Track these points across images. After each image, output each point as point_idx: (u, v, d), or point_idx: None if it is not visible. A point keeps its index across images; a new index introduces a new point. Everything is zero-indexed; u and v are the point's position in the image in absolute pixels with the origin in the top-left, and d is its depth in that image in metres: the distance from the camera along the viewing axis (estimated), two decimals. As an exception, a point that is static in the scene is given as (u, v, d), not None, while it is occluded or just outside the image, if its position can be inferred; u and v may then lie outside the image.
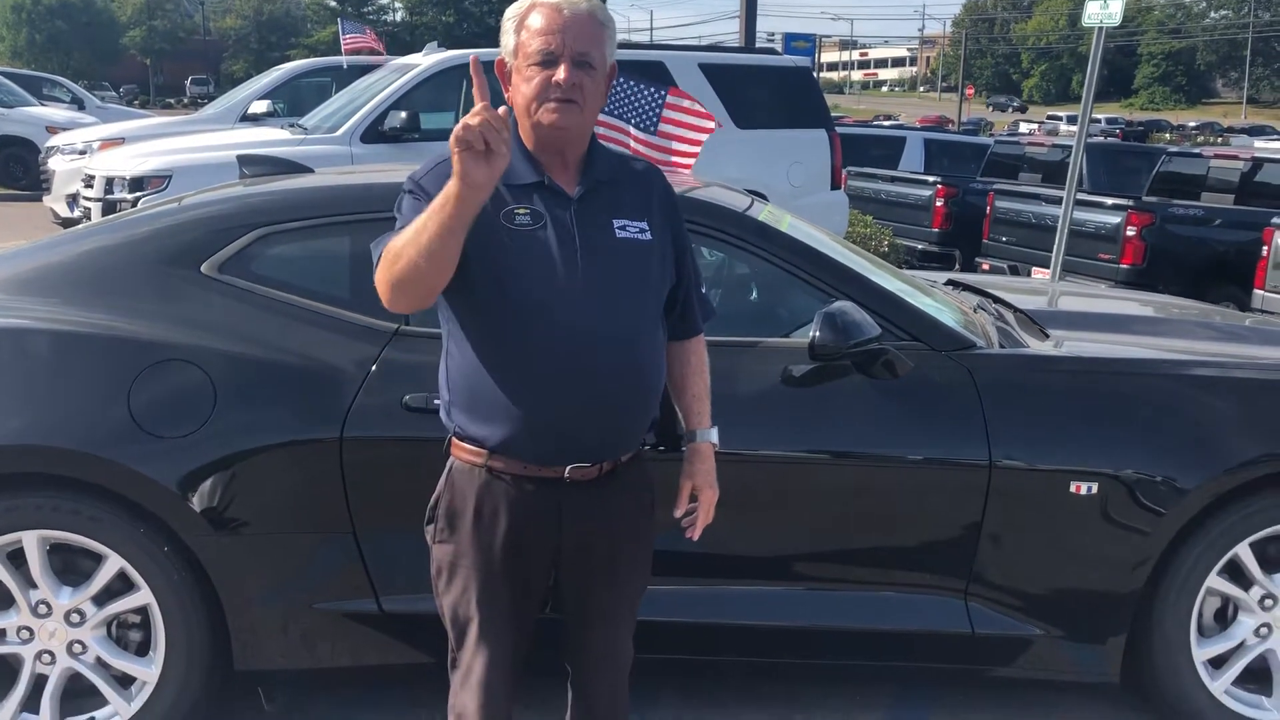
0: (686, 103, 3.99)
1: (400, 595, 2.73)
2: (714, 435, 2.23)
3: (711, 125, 4.01)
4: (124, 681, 2.74)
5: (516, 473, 1.98)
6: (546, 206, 1.96)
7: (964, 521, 2.77)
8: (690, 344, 2.21)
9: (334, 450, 2.65)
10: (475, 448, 2.00)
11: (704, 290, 2.26)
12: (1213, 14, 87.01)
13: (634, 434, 2.06)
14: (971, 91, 75.38)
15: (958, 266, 10.80)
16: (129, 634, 2.77)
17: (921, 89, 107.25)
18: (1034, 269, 9.13)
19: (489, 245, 1.90)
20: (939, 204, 11.24)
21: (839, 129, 15.31)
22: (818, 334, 2.67)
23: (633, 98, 3.97)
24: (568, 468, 1.98)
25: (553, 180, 1.98)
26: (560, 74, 1.90)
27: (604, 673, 2.19)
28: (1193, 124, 57.54)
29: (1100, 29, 6.73)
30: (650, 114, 3.96)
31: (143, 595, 2.67)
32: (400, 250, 1.82)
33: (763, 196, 7.16)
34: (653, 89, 3.98)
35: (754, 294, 3.41)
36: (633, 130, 3.96)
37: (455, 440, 2.04)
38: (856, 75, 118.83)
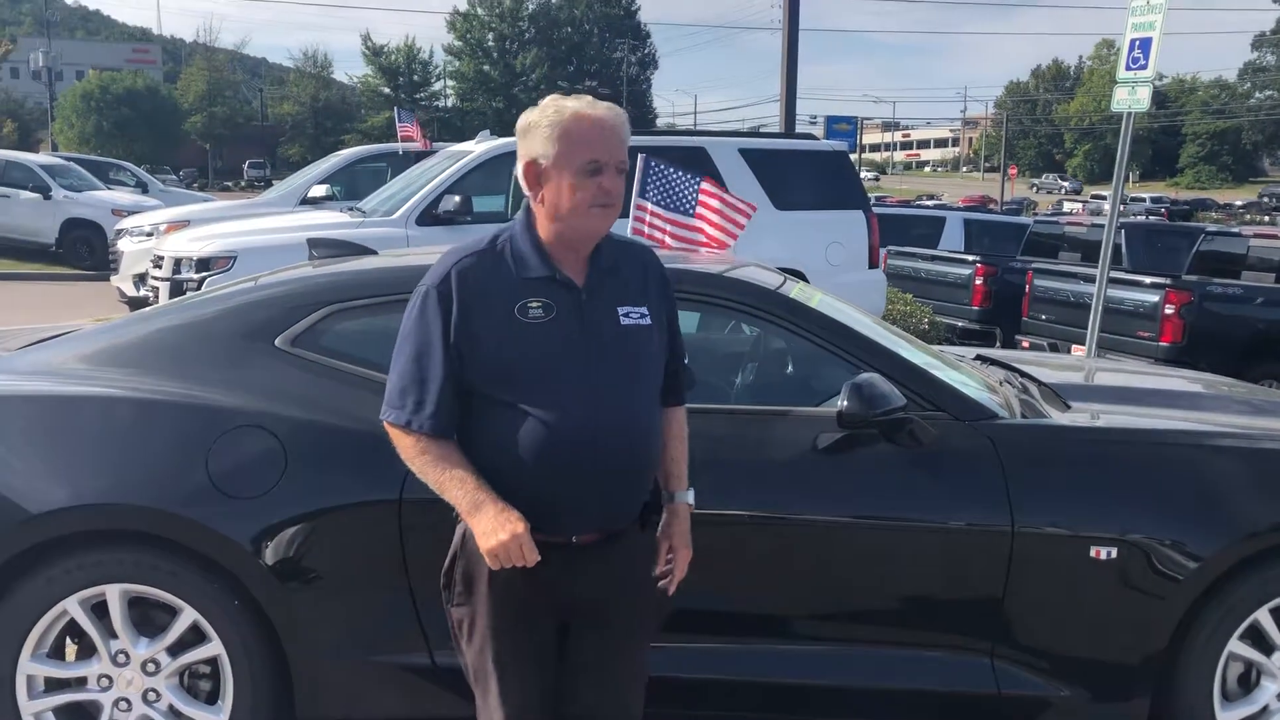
0: (720, 192, 4.23)
1: (452, 650, 2.89)
2: (690, 497, 2.38)
3: (749, 213, 4.24)
4: (194, 728, 2.92)
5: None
6: (557, 299, 2.11)
7: (988, 585, 2.89)
8: (673, 412, 2.35)
9: (393, 511, 2.84)
10: None
11: (685, 361, 2.41)
12: (1258, 94, 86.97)
13: (637, 504, 2.23)
14: (1015, 171, 75.70)
15: (998, 344, 10.90)
16: (199, 683, 2.95)
17: (964, 169, 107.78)
18: (1073, 346, 9.20)
19: (504, 339, 2.07)
20: (979, 282, 11.38)
21: (881, 209, 15.58)
22: (846, 403, 2.84)
23: (671, 183, 4.21)
24: (574, 536, 2.14)
25: (564, 274, 2.14)
26: (608, 182, 2.09)
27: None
28: (1240, 203, 57.27)
29: (1129, 114, 6.92)
30: (687, 199, 4.21)
31: (214, 646, 2.86)
32: (409, 462, 2.13)
33: (802, 276, 7.38)
34: (689, 175, 4.23)
35: (788, 366, 3.59)
36: (670, 215, 4.20)
37: None
38: (899, 156, 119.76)
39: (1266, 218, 42.98)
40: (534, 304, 2.10)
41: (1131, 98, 6.83)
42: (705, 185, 4.20)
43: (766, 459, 2.99)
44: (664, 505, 2.34)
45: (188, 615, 2.85)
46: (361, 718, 2.95)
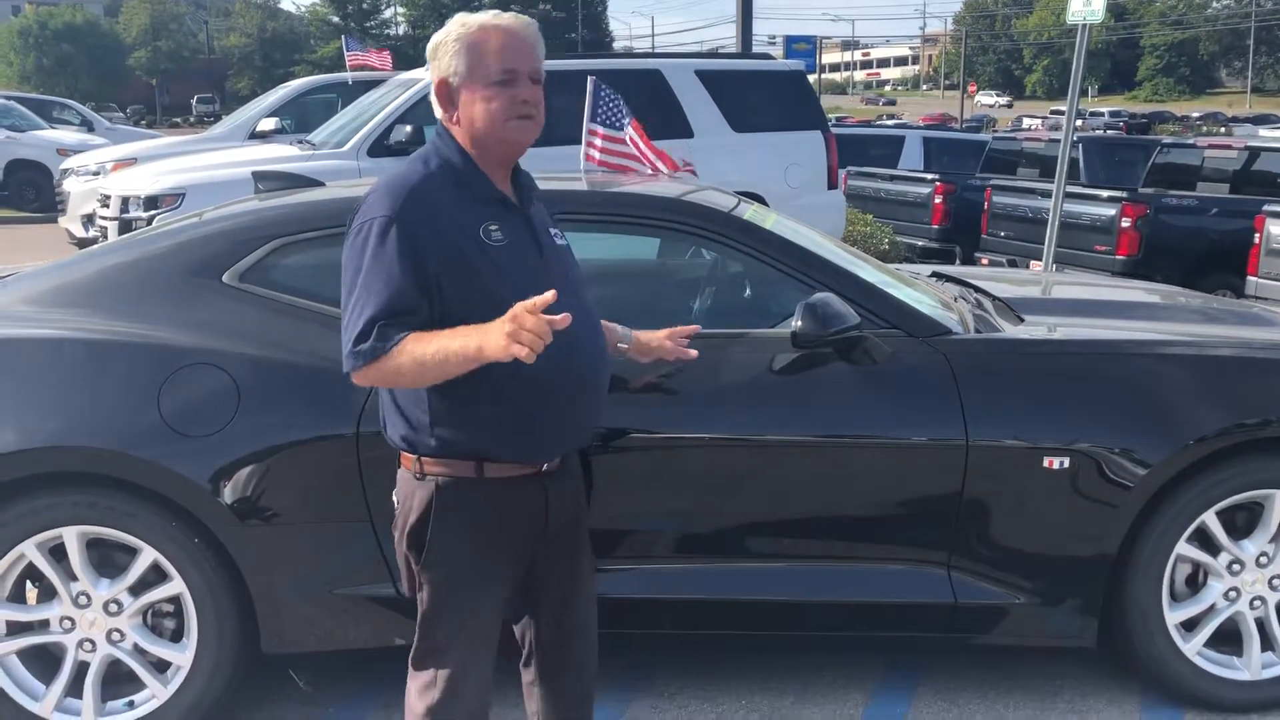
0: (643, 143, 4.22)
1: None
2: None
3: (676, 165, 4.25)
4: (160, 667, 2.92)
5: (510, 475, 2.08)
6: (508, 220, 2.07)
7: (944, 497, 2.94)
8: None
9: (351, 444, 2.83)
10: (466, 460, 2.05)
11: None
12: (1215, 4, 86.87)
13: (600, 421, 2.26)
14: (974, 88, 75.40)
15: (958, 262, 10.96)
16: (164, 622, 2.95)
17: (925, 87, 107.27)
18: (1032, 262, 9.27)
19: (479, 264, 2.00)
20: (938, 201, 11.41)
21: (840, 129, 15.49)
22: (800, 323, 2.85)
23: (617, 106, 4.18)
24: (546, 462, 2.12)
25: (505, 194, 2.10)
26: (525, 92, 2.03)
27: (577, 650, 2.30)
28: (1196, 115, 57.47)
29: (1085, 26, 6.89)
30: (623, 116, 4.19)
31: (175, 585, 2.86)
32: (407, 373, 1.93)
33: (760, 199, 7.35)
34: (624, 110, 4.23)
35: (745, 289, 3.58)
36: (615, 133, 4.17)
37: (434, 459, 2.06)
38: (859, 75, 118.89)
39: (1222, 129, 43.21)
40: (493, 226, 2.04)
41: (1086, 9, 6.80)
42: (630, 130, 4.20)
43: (724, 382, 3.00)
44: (626, 350, 2.44)
45: (147, 555, 2.84)
46: (327, 650, 2.97)
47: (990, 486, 2.93)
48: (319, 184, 3.75)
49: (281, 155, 7.69)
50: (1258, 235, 7.45)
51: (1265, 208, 7.59)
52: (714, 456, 2.97)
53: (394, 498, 2.17)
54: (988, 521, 2.96)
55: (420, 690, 2.15)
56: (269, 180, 3.75)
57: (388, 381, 2.01)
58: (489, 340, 1.85)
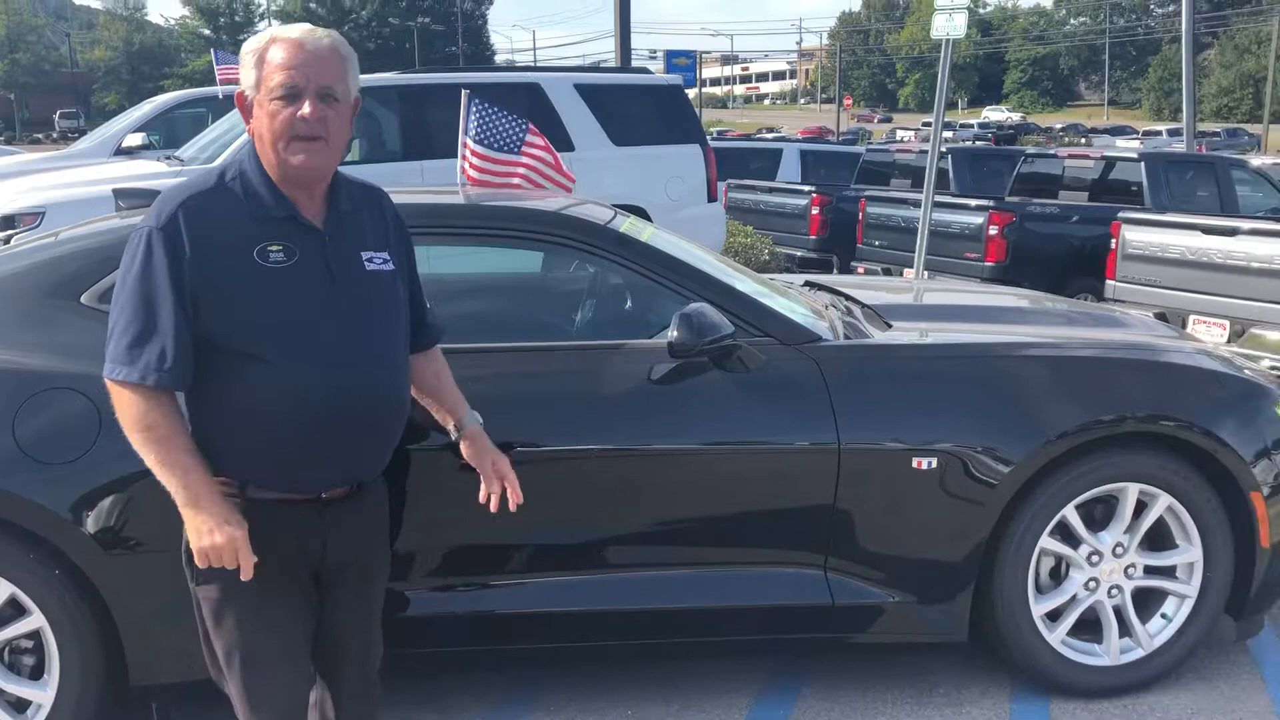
0: (543, 150, 4.20)
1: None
2: (478, 418, 2.44)
3: (569, 187, 4.26)
4: (19, 706, 2.79)
5: (278, 498, 2.04)
6: (298, 243, 1.99)
7: (819, 500, 3.00)
8: (430, 354, 2.38)
9: (219, 467, 2.75)
10: (229, 480, 2.02)
11: (428, 306, 2.41)
12: (1073, 20, 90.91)
13: (387, 454, 2.19)
14: (850, 102, 77.33)
15: (835, 271, 11.22)
16: (22, 659, 2.82)
17: (802, 101, 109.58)
18: (906, 270, 9.55)
19: (244, 285, 1.93)
20: (815, 212, 11.66)
21: (721, 143, 15.71)
22: (675, 334, 2.88)
23: (496, 123, 4.16)
24: (323, 492, 2.08)
25: (302, 215, 2.01)
26: (306, 109, 1.93)
27: (358, 677, 2.31)
28: (1059, 126, 60.02)
29: (948, 41, 7.14)
30: (514, 138, 4.16)
31: (34, 620, 2.74)
32: (143, 447, 1.97)
33: (643, 212, 7.39)
34: (516, 117, 4.19)
35: (625, 301, 3.61)
36: (494, 154, 4.15)
37: None
38: (739, 90, 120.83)
39: (1082, 140, 45.21)
40: (274, 247, 1.96)
41: (949, 24, 7.04)
42: (531, 134, 4.18)
43: (605, 393, 3.02)
44: (460, 435, 2.40)
45: (3, 589, 2.71)
46: (199, 680, 2.88)
47: (862, 488, 3.00)
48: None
49: (148, 171, 7.45)
50: (1114, 241, 7.81)
51: (1121, 214, 7.97)
52: (596, 468, 2.98)
53: None
54: (861, 522, 3.03)
55: (235, 704, 2.18)
56: (130, 198, 3.62)
57: (115, 408, 2.00)
58: (193, 522, 1.95)
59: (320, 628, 2.20)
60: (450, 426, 2.42)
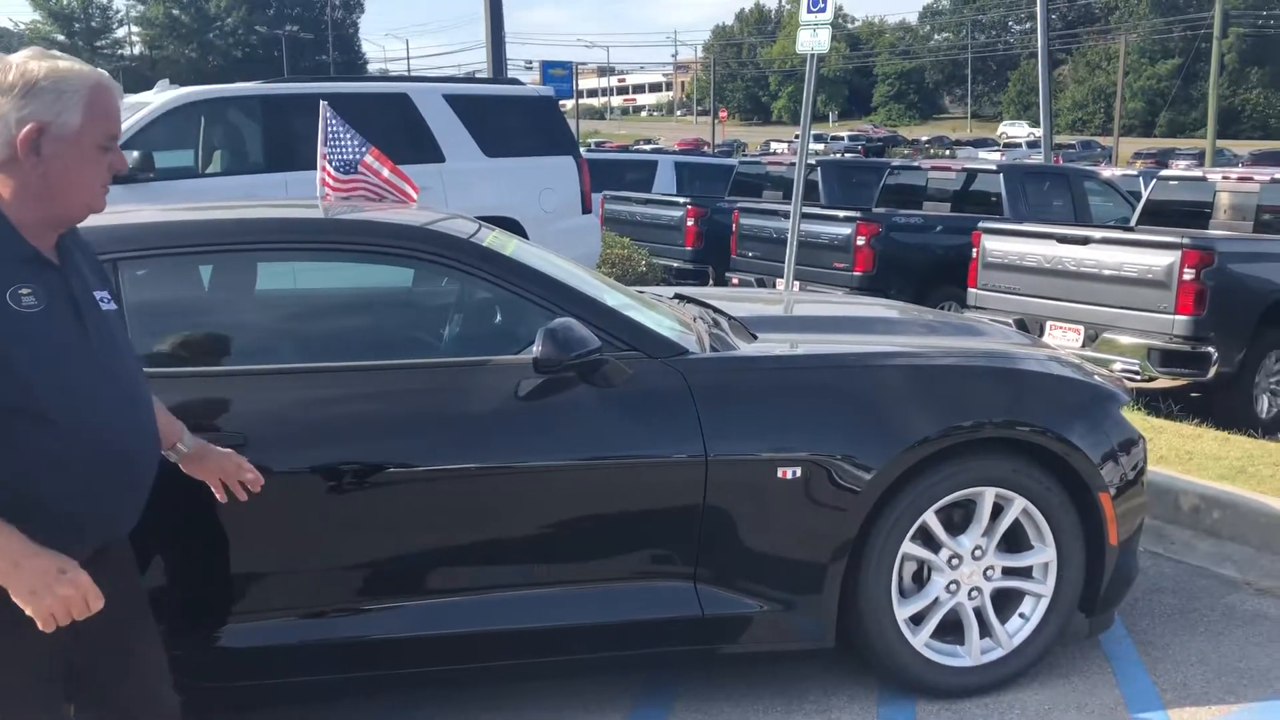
0: (383, 169, 4.17)
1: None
2: (192, 439, 2.32)
3: (413, 197, 4.23)
4: None
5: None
6: (44, 283, 1.82)
7: (687, 512, 3.01)
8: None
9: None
10: None
11: None
12: (936, 36, 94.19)
13: (143, 506, 2.01)
14: (725, 114, 78.52)
15: (710, 282, 11.35)
16: None
17: (679, 113, 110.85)
18: (778, 280, 9.72)
19: (2, 334, 1.74)
20: (690, 224, 11.80)
21: (597, 154, 15.75)
22: (540, 349, 2.86)
23: (341, 139, 4.10)
24: (90, 550, 1.89)
25: (43, 253, 1.85)
26: (120, 161, 1.89)
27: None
28: (925, 138, 62.05)
29: (813, 56, 7.30)
30: (350, 159, 4.12)
31: None
32: None
33: (516, 224, 7.34)
34: (358, 140, 4.14)
35: (492, 316, 3.57)
36: (334, 171, 4.09)
37: None
38: (617, 101, 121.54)
39: (948, 151, 46.82)
40: (24, 291, 1.77)
41: (814, 39, 7.20)
42: (370, 158, 4.13)
43: (470, 410, 2.98)
44: (182, 457, 2.27)
45: None
46: None
47: (730, 499, 3.02)
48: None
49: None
50: (975, 250, 8.09)
51: (981, 224, 8.25)
52: (465, 487, 2.93)
53: None
54: (729, 533, 3.05)
55: None
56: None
57: None
58: (23, 583, 1.70)
59: (88, 690, 2.01)
60: (174, 447, 2.27)
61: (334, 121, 4.11)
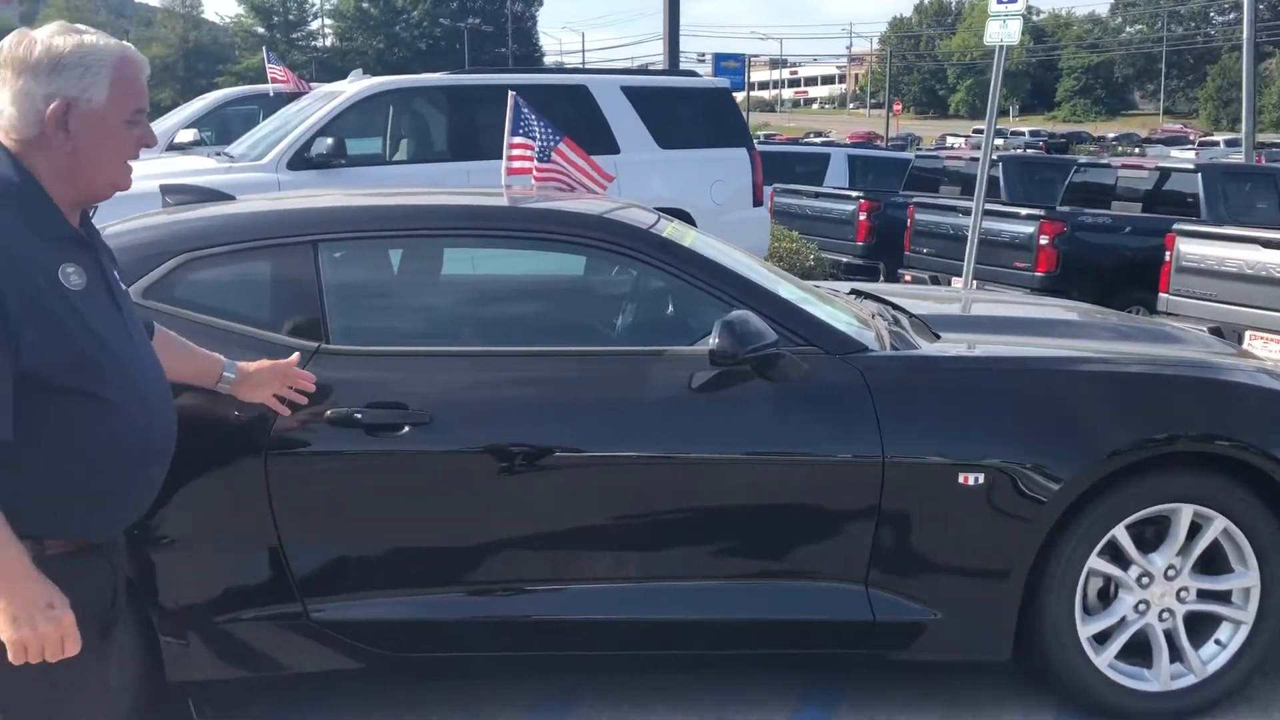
0: (576, 157, 4.21)
1: (327, 602, 2.84)
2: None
3: (604, 185, 4.25)
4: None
5: (72, 550, 1.79)
6: (84, 262, 1.80)
7: (862, 515, 2.94)
8: (160, 336, 2.25)
9: (259, 465, 2.75)
10: (23, 539, 1.69)
11: None
12: (1128, 29, 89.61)
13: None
14: (899, 107, 76.85)
15: (881, 278, 11.11)
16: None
17: (851, 106, 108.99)
18: (953, 279, 9.43)
19: (55, 315, 1.70)
20: (862, 218, 11.56)
21: (767, 146, 15.65)
22: (717, 341, 2.84)
23: (533, 127, 4.17)
24: (121, 531, 1.91)
25: (77, 230, 1.83)
26: (149, 136, 1.86)
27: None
28: (1112, 135, 59.17)
29: (1001, 47, 7.04)
30: (544, 148, 4.18)
31: (73, 613, 2.75)
32: None
33: (687, 215, 7.36)
34: (551, 130, 4.20)
35: (666, 307, 3.57)
36: (535, 157, 4.16)
37: None
38: (787, 94, 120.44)
39: (1137, 149, 44.53)
40: (70, 269, 1.76)
41: (1003, 31, 6.94)
42: (564, 146, 4.19)
43: (645, 399, 2.98)
44: (230, 384, 2.34)
45: (43, 582, 2.72)
46: (232, 677, 2.88)
47: (906, 503, 2.94)
48: (229, 198, 3.65)
49: (199, 167, 7.52)
50: (1168, 253, 7.66)
51: (1175, 226, 7.81)
52: (634, 475, 2.94)
53: None
54: (905, 538, 2.97)
55: None
56: (177, 194, 3.65)
57: None
58: (8, 606, 1.64)
59: None
60: (218, 379, 2.30)
61: (525, 111, 4.19)
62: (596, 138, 7.87)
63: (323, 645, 2.87)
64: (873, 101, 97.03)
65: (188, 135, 10.15)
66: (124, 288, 1.94)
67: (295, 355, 2.41)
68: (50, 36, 1.78)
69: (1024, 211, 9.45)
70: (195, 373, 2.32)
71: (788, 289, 3.34)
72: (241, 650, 2.85)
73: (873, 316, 3.53)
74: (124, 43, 1.83)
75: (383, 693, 3.25)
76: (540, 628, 2.98)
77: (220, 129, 11.02)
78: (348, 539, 2.88)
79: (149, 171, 7.77)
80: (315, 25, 71.00)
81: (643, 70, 14.88)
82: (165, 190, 3.70)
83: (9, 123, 1.76)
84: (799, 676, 3.38)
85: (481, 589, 2.96)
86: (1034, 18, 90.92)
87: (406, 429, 2.83)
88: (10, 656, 1.66)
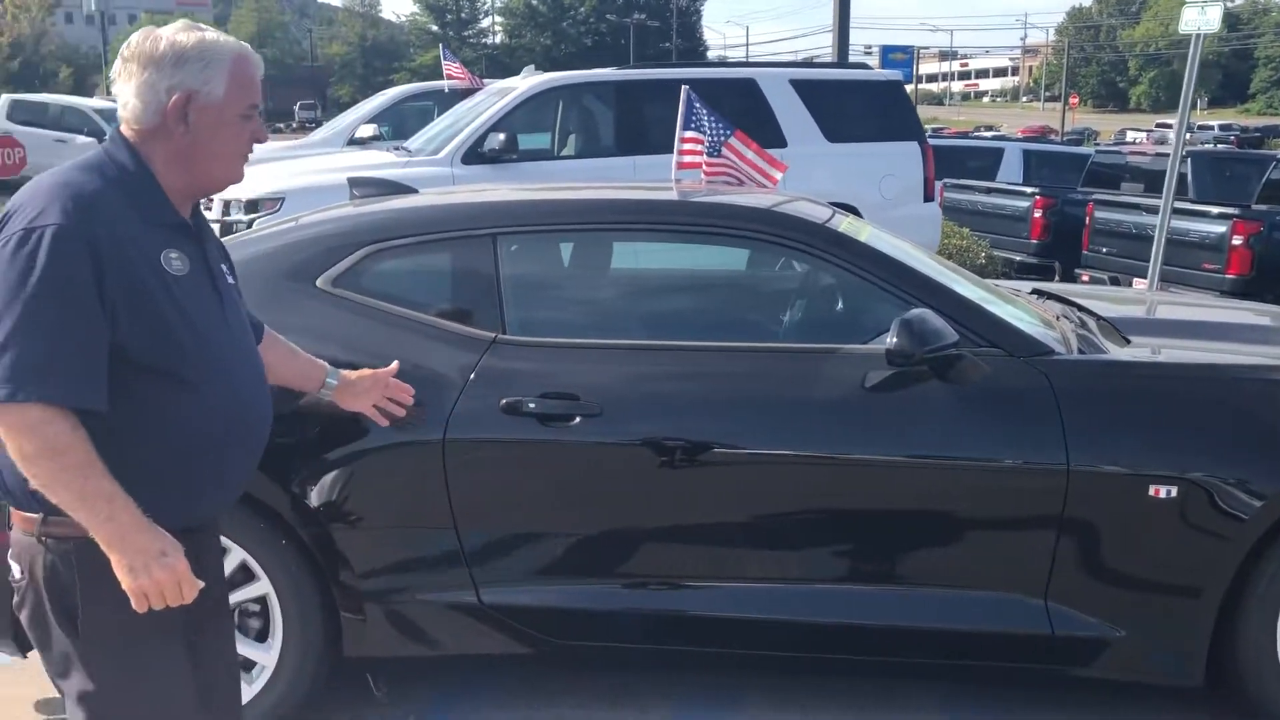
0: (747, 151, 4.17)
1: (498, 587, 2.90)
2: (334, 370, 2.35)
3: (775, 178, 4.19)
4: (245, 666, 2.95)
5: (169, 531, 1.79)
6: (188, 251, 1.85)
7: (1042, 524, 2.82)
8: (268, 338, 2.25)
9: (438, 450, 2.83)
10: None
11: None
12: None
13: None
14: (1076, 100, 73.66)
15: (1057, 278, 10.66)
16: (249, 621, 2.98)
17: (1024, 99, 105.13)
18: (1135, 280, 8.98)
19: (154, 299, 1.75)
20: (1037, 215, 11.12)
21: (937, 140, 15.24)
22: (895, 340, 2.77)
23: (704, 121, 4.15)
24: (210, 518, 1.95)
25: (186, 221, 1.88)
26: (260, 132, 1.90)
27: (230, 692, 2.11)
28: (1313, 129, 55.22)
29: (1198, 36, 6.64)
30: (715, 142, 4.15)
31: (262, 585, 2.89)
32: (54, 478, 1.68)
33: (855, 210, 7.24)
34: (722, 123, 4.17)
35: (837, 303, 3.51)
36: (705, 151, 4.15)
37: (59, 518, 1.73)
38: (957, 86, 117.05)
39: (1341, 144, 41.45)
40: (174, 255, 1.81)
41: (1201, 18, 6.55)
42: (735, 140, 4.15)
43: (814, 398, 2.93)
44: (331, 391, 2.34)
45: (236, 555, 2.87)
46: (407, 656, 2.98)
47: (1092, 514, 2.80)
48: (413, 191, 3.77)
49: (378, 161, 7.81)
50: (1380, 256, 7.09)
51: (1389, 227, 7.22)
52: (804, 474, 2.90)
53: (15, 568, 1.83)
54: (1089, 551, 2.83)
55: None
56: (364, 186, 3.79)
57: (10, 432, 1.68)
58: (125, 556, 1.68)
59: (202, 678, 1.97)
60: (320, 385, 2.32)
61: (697, 105, 4.19)
62: (763, 132, 7.78)
63: (492, 629, 2.93)
64: (1047, 95, 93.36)
65: (367, 130, 10.55)
66: (231, 282, 1.98)
67: (395, 365, 2.41)
68: (174, 33, 1.84)
69: (1215, 210, 8.92)
70: (298, 376, 2.34)
71: (968, 287, 3.23)
72: (416, 630, 2.94)
73: (1057, 318, 3.38)
74: (241, 42, 1.90)
75: (546, 681, 3.31)
76: (694, 623, 2.96)
77: (397, 124, 11.42)
78: (517, 526, 2.93)
79: (335, 165, 8.12)
80: (486, 23, 72.89)
81: (808, 63, 14.70)
82: (353, 183, 3.85)
83: (132, 114, 1.82)
84: (940, 688, 3.26)
85: (642, 582, 2.95)
86: (1228, 4, 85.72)
87: (578, 420, 2.85)
88: (135, 604, 1.72)
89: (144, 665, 1.82)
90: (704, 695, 3.25)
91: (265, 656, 2.92)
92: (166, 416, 1.78)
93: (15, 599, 1.84)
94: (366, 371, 2.39)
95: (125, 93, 1.82)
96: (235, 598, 2.90)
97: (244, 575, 2.90)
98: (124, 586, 1.70)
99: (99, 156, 1.83)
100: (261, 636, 2.95)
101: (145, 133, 1.82)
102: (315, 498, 2.84)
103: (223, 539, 2.81)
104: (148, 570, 1.69)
